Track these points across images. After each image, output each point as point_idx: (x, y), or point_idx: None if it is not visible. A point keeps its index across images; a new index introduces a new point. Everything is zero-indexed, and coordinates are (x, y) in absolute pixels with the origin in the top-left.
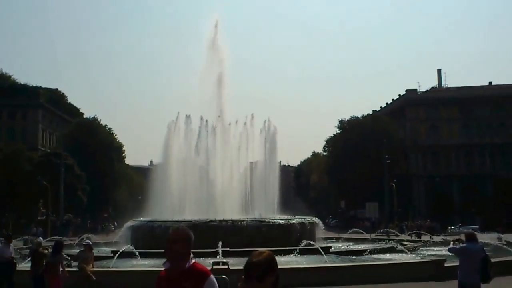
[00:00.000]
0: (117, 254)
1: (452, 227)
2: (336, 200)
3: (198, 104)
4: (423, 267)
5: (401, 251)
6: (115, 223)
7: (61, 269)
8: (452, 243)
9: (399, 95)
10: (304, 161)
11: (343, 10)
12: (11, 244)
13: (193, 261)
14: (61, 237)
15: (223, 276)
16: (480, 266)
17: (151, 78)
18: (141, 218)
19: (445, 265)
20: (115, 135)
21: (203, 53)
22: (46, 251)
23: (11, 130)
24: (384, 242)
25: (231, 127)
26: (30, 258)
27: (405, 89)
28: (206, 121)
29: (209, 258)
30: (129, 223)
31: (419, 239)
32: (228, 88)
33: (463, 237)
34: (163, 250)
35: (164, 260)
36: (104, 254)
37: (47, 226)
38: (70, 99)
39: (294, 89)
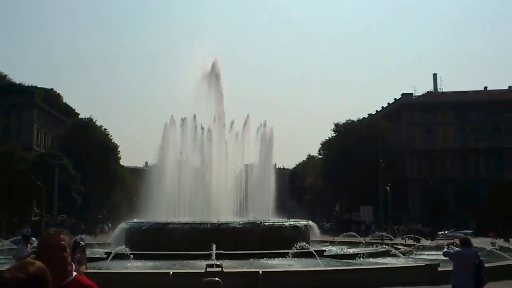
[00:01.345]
0: (111, 256)
1: (446, 232)
2: (331, 203)
3: (194, 106)
4: (416, 272)
5: (395, 255)
6: (109, 224)
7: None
8: (446, 247)
9: (395, 99)
10: (300, 164)
11: (340, 15)
12: (29, 245)
13: (74, 273)
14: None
15: (217, 278)
16: (474, 271)
17: (147, 79)
18: (135, 220)
19: (439, 269)
20: (110, 136)
21: (200, 55)
22: None
23: (6, 129)
24: (378, 246)
25: (226, 129)
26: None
27: (401, 93)
28: (202, 123)
29: (203, 261)
30: (123, 225)
31: (416, 243)
32: (225, 89)
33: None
34: (159, 252)
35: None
36: (97, 256)
37: (40, 227)
38: (66, 99)
39: (290, 91)
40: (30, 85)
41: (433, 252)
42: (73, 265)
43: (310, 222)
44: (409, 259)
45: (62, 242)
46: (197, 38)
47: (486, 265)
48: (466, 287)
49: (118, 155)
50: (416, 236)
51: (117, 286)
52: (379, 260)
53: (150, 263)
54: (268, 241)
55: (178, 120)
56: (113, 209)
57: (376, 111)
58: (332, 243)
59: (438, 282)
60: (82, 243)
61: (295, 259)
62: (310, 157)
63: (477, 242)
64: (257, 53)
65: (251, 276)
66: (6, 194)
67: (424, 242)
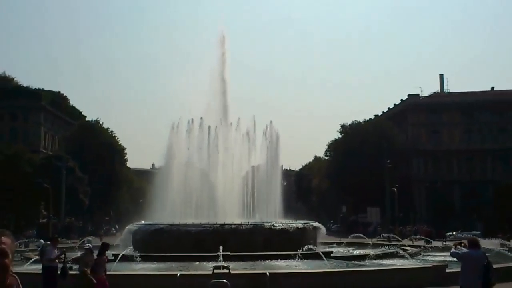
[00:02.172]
0: (118, 258)
1: (454, 233)
2: (337, 205)
3: (200, 108)
4: (424, 273)
5: (403, 257)
6: (116, 226)
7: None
8: (454, 247)
9: (401, 99)
10: (306, 165)
11: (344, 15)
12: (57, 246)
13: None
14: (62, 240)
15: (224, 280)
16: (482, 272)
17: (153, 81)
18: (142, 222)
19: (447, 270)
20: (117, 138)
21: (205, 57)
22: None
23: (13, 132)
24: (385, 247)
25: (233, 130)
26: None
27: (407, 94)
28: (209, 124)
29: (210, 262)
30: (130, 227)
31: (427, 244)
32: (230, 91)
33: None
34: (166, 254)
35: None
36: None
37: (48, 229)
38: (73, 102)
39: (295, 93)
40: (37, 87)
41: (441, 253)
42: (16, 277)
43: (317, 224)
44: (418, 260)
45: (3, 246)
46: (199, 40)
47: (494, 266)
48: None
49: (125, 157)
50: (425, 238)
51: None
52: (387, 261)
53: (157, 265)
54: (275, 242)
55: (184, 122)
56: (120, 211)
57: (382, 112)
58: (339, 244)
59: (446, 283)
60: (90, 245)
61: (303, 260)
62: (316, 159)
63: (486, 243)
64: (258, 54)
65: (258, 278)
66: (14, 196)
67: (437, 243)
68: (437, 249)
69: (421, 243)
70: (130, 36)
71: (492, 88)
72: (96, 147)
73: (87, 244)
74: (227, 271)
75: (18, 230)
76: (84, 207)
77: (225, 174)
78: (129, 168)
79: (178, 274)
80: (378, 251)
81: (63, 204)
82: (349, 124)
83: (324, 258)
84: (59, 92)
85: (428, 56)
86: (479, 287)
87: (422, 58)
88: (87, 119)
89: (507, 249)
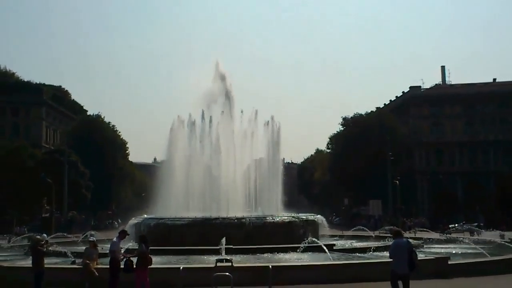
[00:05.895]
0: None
1: (456, 225)
2: (339, 197)
3: (202, 101)
4: (426, 265)
5: None
6: (119, 220)
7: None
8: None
9: (403, 92)
10: (307, 158)
11: (346, 7)
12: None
13: None
14: (64, 234)
15: (227, 273)
16: (408, 256)
17: (155, 75)
18: (145, 215)
19: (449, 262)
20: (119, 132)
21: (207, 49)
22: (45, 248)
23: (15, 127)
24: (387, 240)
25: (234, 124)
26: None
27: (409, 86)
28: (210, 117)
29: (213, 255)
30: (133, 220)
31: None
32: (232, 84)
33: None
34: (169, 248)
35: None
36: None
37: (51, 223)
38: (74, 96)
39: (297, 85)
40: (38, 82)
41: (443, 246)
42: None
43: (319, 217)
44: (420, 252)
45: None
46: (202, 33)
47: (495, 258)
48: (403, 270)
49: (127, 151)
50: (426, 230)
51: (127, 281)
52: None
53: (160, 258)
54: (278, 235)
55: (186, 116)
56: (122, 205)
57: (384, 104)
58: (341, 237)
59: (449, 275)
60: (94, 238)
61: (305, 253)
62: (318, 151)
63: (489, 235)
64: (262, 49)
65: (261, 271)
66: (16, 191)
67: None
68: (440, 241)
69: (422, 234)
70: (132, 30)
71: (494, 79)
72: (98, 141)
73: (91, 238)
74: (229, 264)
75: (21, 225)
76: (86, 202)
77: (227, 168)
78: (131, 162)
79: (181, 268)
80: (381, 243)
81: (65, 199)
82: (351, 117)
83: (327, 250)
84: (60, 86)
85: (429, 48)
86: (407, 268)
87: (424, 50)
88: (88, 113)
89: (508, 240)
